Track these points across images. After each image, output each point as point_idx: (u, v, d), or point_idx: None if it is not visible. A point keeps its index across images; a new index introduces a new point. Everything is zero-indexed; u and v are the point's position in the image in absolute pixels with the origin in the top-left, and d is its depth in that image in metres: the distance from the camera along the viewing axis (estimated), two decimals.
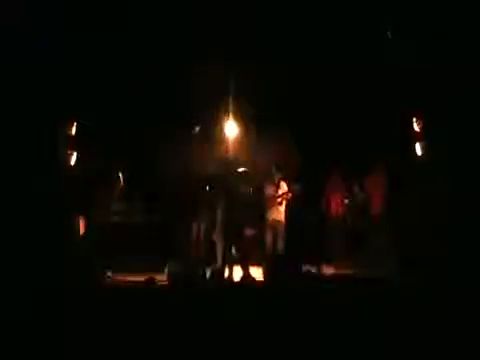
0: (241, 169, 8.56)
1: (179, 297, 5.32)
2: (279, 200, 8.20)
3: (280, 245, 8.17)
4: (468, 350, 3.85)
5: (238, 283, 6.54)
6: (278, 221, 8.23)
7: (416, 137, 7.83)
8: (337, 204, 8.54)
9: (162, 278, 6.67)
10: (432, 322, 4.32)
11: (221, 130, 9.08)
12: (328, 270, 7.67)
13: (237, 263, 8.01)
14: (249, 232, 8.85)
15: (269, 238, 8.22)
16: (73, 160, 7.69)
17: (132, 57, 8.08)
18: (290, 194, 8.15)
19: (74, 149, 7.71)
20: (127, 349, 3.97)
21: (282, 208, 8.26)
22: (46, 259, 6.26)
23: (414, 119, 7.89)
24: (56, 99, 7.33)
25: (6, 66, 6.84)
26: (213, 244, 8.47)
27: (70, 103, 7.60)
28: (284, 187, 8.27)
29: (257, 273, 7.50)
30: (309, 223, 8.76)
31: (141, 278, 6.56)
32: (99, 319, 4.38)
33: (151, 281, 6.08)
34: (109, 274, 7.16)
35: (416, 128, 7.89)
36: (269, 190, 8.29)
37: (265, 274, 7.12)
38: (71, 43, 7.39)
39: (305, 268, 6.91)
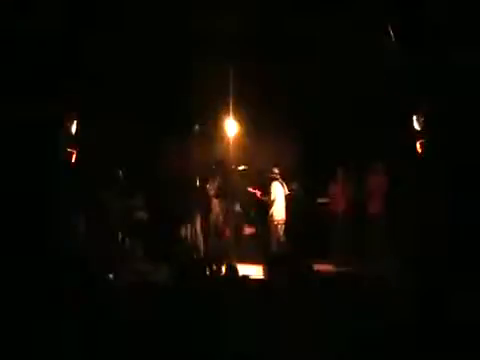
0: (241, 167, 8.63)
1: (178, 295, 5.34)
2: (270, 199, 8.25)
3: (280, 243, 8.22)
4: (467, 350, 3.87)
5: (237, 281, 6.54)
6: (277, 219, 8.27)
7: (416, 136, 7.84)
8: (340, 204, 8.54)
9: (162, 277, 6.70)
10: (431, 321, 4.33)
11: (221, 129, 9.13)
12: (328, 268, 7.71)
13: (237, 261, 8.06)
14: (249, 230, 8.94)
15: (270, 236, 8.29)
16: (74, 158, 7.72)
17: (132, 55, 8.09)
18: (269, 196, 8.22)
19: (75, 147, 7.74)
20: (127, 348, 3.99)
21: (282, 207, 8.30)
22: (47, 258, 6.28)
23: (414, 118, 7.90)
24: (57, 97, 7.35)
25: (7, 65, 6.86)
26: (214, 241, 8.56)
27: (71, 101, 7.62)
28: (274, 188, 8.26)
29: (257, 271, 7.53)
30: (310, 222, 8.79)
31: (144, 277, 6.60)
32: (98, 318, 4.40)
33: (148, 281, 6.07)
34: (110, 276, 7.16)
35: (417, 127, 7.91)
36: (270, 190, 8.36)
37: (265, 272, 7.15)
38: (71, 41, 7.41)
39: (305, 266, 6.95)
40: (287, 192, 8.39)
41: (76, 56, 7.47)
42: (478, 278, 5.41)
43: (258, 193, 8.47)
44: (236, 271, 6.49)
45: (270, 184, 8.32)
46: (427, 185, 7.29)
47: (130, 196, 8.57)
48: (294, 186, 8.55)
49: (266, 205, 8.46)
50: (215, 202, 8.59)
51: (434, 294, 4.84)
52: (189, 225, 8.72)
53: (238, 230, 8.88)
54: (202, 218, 8.77)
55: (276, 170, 8.36)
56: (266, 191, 8.39)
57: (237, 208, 8.60)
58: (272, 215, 8.26)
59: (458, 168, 6.87)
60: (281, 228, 8.28)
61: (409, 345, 3.96)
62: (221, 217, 8.58)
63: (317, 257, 7.87)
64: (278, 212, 8.28)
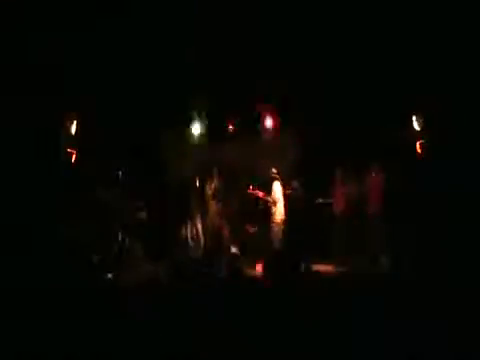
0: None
1: (178, 294, 5.35)
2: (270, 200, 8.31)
3: (281, 242, 8.27)
4: (466, 345, 3.88)
5: (238, 280, 6.57)
6: (279, 219, 8.33)
7: (415, 136, 7.86)
8: (340, 204, 8.55)
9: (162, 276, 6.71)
10: (429, 318, 4.34)
11: (220, 130, 9.16)
12: (327, 267, 7.72)
13: (237, 260, 8.11)
14: (251, 229, 8.98)
15: (270, 235, 8.34)
16: (74, 159, 7.73)
17: (132, 56, 8.10)
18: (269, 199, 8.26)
19: (75, 148, 7.75)
20: (125, 348, 4.00)
21: (282, 206, 8.35)
22: (47, 258, 6.29)
23: (414, 118, 7.92)
24: (57, 98, 7.36)
25: (7, 65, 6.86)
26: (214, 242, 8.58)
27: (71, 102, 7.63)
28: (276, 188, 8.32)
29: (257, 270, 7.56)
30: (309, 221, 8.80)
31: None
32: (97, 317, 4.42)
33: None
34: (109, 275, 7.15)
35: (416, 127, 7.92)
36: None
37: (265, 270, 7.18)
38: (71, 41, 7.41)
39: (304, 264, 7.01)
40: (287, 191, 8.44)
41: (77, 56, 7.48)
42: (477, 277, 5.42)
43: (260, 193, 8.51)
44: (237, 270, 6.51)
45: (272, 184, 8.37)
46: (426, 186, 7.30)
47: (130, 196, 8.55)
48: (294, 185, 8.57)
49: (267, 205, 8.51)
50: (212, 203, 8.61)
51: (433, 292, 4.87)
52: (189, 225, 8.72)
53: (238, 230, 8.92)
54: (202, 218, 8.78)
55: (274, 170, 8.41)
56: (268, 191, 8.44)
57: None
58: (274, 214, 8.30)
59: (457, 168, 6.88)
60: (281, 227, 8.31)
61: (408, 340, 3.97)
62: (219, 217, 8.60)
63: (317, 257, 7.91)
64: (279, 211, 8.32)
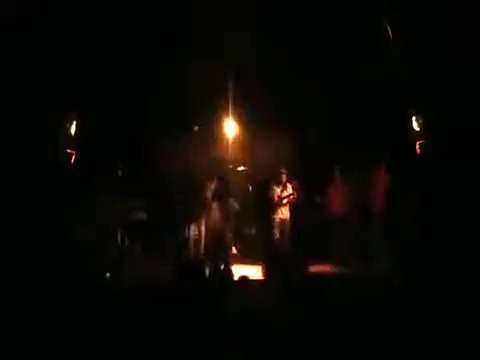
0: (241, 168, 8.68)
1: (180, 294, 5.35)
2: (285, 201, 8.35)
3: (286, 244, 8.30)
4: (466, 346, 3.88)
5: (237, 281, 6.57)
6: (284, 220, 8.37)
7: (416, 136, 7.86)
8: (338, 204, 8.57)
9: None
10: (430, 320, 4.35)
11: (221, 130, 9.17)
12: (327, 267, 7.73)
13: (237, 261, 8.13)
14: (248, 231, 9.00)
15: (276, 237, 8.38)
16: (73, 159, 7.72)
17: (132, 56, 8.10)
18: (295, 194, 8.33)
19: (74, 148, 7.74)
20: (129, 348, 4.01)
21: (287, 208, 8.41)
22: (46, 259, 6.28)
23: (414, 118, 7.92)
24: (57, 98, 7.35)
25: (6, 64, 6.86)
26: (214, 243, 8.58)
27: (70, 102, 7.62)
28: (290, 188, 8.42)
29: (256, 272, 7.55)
30: (312, 223, 8.85)
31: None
32: (99, 319, 4.41)
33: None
34: (108, 275, 7.15)
35: (416, 127, 7.92)
36: (275, 190, 8.45)
37: (265, 272, 7.17)
38: (70, 41, 7.41)
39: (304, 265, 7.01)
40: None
41: (77, 56, 7.48)
42: (477, 277, 5.42)
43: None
44: (231, 273, 6.52)
45: (285, 183, 8.46)
46: (427, 185, 7.30)
47: (130, 196, 8.56)
48: (294, 185, 8.63)
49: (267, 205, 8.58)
50: (214, 204, 8.62)
51: (433, 293, 4.86)
52: (192, 226, 8.73)
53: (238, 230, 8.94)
54: (203, 219, 8.78)
55: (284, 170, 8.53)
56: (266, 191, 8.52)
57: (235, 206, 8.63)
58: (281, 212, 8.32)
59: (458, 168, 6.88)
60: (287, 229, 8.37)
61: (408, 341, 3.97)
62: (220, 218, 8.63)
63: (317, 257, 7.92)
64: (286, 208, 8.38)
